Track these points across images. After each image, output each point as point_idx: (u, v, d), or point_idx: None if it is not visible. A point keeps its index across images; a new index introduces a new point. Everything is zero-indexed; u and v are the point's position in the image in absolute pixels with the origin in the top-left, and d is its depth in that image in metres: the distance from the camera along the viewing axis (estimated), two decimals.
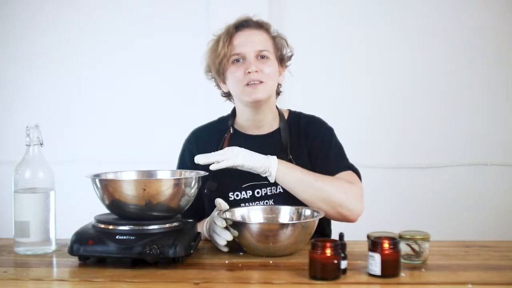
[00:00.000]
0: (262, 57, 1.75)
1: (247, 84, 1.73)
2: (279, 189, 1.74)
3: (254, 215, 1.64)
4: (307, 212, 1.61)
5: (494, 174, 3.06)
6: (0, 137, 3.15)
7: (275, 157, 1.66)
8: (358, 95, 3.09)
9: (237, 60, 1.75)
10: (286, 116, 1.87)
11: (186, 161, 1.85)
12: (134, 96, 3.14)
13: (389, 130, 3.08)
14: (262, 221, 1.62)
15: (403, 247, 1.41)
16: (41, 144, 1.57)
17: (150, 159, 2.64)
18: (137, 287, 1.27)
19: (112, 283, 1.29)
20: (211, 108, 2.86)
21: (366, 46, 3.07)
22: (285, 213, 1.64)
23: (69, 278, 1.35)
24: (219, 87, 1.88)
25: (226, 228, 1.52)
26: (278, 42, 1.83)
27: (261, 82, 1.73)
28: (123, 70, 3.13)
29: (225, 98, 1.91)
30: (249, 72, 1.72)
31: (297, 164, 1.74)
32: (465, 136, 3.07)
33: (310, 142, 1.81)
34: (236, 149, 1.63)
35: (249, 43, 1.75)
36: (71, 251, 1.42)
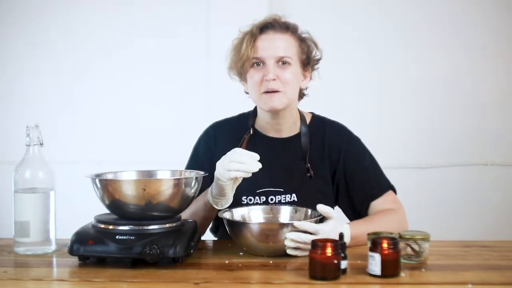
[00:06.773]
0: (283, 63, 1.70)
1: (265, 92, 1.70)
2: (293, 197, 1.74)
3: (254, 215, 1.64)
4: (307, 212, 1.61)
5: (494, 174, 3.06)
6: (0, 137, 3.15)
7: (348, 226, 1.57)
8: (358, 95, 3.09)
9: (257, 64, 1.71)
10: (308, 120, 1.83)
11: (200, 152, 1.83)
12: (134, 96, 3.13)
13: (389, 130, 3.07)
14: (262, 221, 1.62)
15: (403, 247, 1.41)
16: (41, 144, 1.57)
17: (150, 159, 2.65)
18: (137, 287, 1.27)
19: (112, 283, 1.29)
20: (212, 108, 2.89)
21: (369, 46, 3.06)
22: (285, 213, 1.64)
23: (69, 278, 1.35)
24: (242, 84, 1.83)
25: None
26: (304, 45, 1.76)
27: (278, 91, 1.69)
28: (123, 70, 3.12)
29: (248, 95, 1.82)
30: (267, 80, 1.68)
31: (317, 174, 1.75)
32: (465, 136, 3.06)
33: (340, 157, 1.79)
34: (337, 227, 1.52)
35: (270, 47, 1.70)
36: (71, 251, 1.42)
